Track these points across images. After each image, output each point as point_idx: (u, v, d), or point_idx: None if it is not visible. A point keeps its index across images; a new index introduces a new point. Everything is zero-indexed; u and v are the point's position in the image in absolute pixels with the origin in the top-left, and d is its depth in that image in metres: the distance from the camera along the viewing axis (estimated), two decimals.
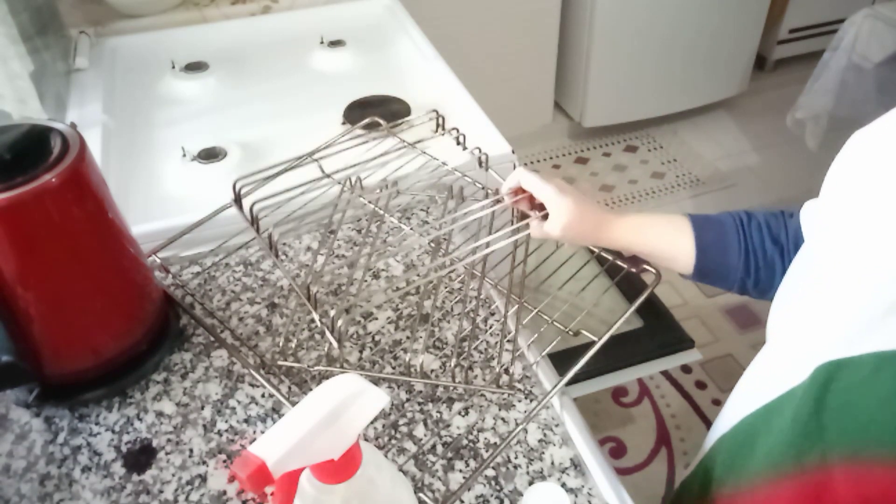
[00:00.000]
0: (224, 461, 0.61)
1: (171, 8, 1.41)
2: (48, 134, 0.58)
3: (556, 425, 0.63)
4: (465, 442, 0.61)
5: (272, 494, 0.48)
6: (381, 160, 0.83)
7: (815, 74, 1.76)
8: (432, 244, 0.79)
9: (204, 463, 0.60)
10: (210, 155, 0.97)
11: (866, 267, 0.44)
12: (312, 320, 0.73)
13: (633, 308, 0.73)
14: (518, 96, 2.42)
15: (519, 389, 0.66)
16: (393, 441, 0.62)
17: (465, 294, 0.76)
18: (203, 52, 1.26)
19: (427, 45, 1.26)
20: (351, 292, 0.76)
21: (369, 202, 0.81)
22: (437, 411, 0.64)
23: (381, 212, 0.79)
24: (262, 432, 0.63)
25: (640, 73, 2.39)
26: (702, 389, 1.71)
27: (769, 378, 0.51)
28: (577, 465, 0.60)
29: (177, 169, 0.97)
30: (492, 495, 0.57)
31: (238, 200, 0.69)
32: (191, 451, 0.61)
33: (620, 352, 1.08)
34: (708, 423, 1.64)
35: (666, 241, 0.66)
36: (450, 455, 0.60)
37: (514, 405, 0.65)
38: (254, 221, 0.68)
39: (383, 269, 0.80)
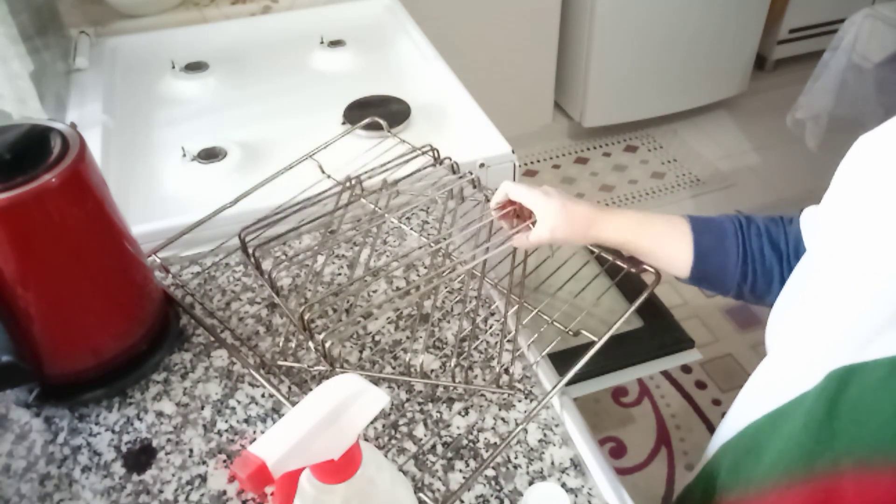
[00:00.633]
0: (224, 461, 0.61)
1: (171, 8, 1.42)
2: (48, 134, 0.58)
3: (556, 425, 0.63)
4: (465, 442, 0.61)
5: (272, 494, 0.48)
6: (380, 160, 0.83)
7: (815, 74, 1.76)
8: (432, 244, 0.79)
9: (204, 463, 0.60)
10: (210, 155, 0.97)
11: (875, 270, 0.43)
12: (312, 320, 0.73)
13: (633, 308, 0.73)
14: (518, 96, 2.42)
15: (519, 389, 0.66)
16: (393, 441, 0.62)
17: (465, 294, 0.76)
18: (203, 52, 1.27)
19: (427, 45, 1.26)
20: (350, 290, 0.76)
21: (369, 202, 0.81)
22: (437, 411, 0.64)
23: (382, 212, 0.79)
24: (262, 432, 0.63)
25: (640, 73, 2.39)
26: (702, 389, 1.71)
27: (776, 384, 0.51)
28: (577, 465, 0.60)
29: (177, 169, 0.97)
30: (492, 495, 0.57)
31: (245, 249, 0.70)
32: (191, 451, 0.61)
33: (620, 352, 1.08)
34: (708, 423, 1.64)
35: (663, 241, 0.65)
36: (450, 455, 0.60)
37: (514, 405, 0.65)
38: (258, 265, 0.69)
39: (383, 269, 0.80)
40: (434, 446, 0.61)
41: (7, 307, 0.57)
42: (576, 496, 0.57)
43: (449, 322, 0.74)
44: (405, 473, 0.59)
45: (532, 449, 0.61)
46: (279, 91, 1.18)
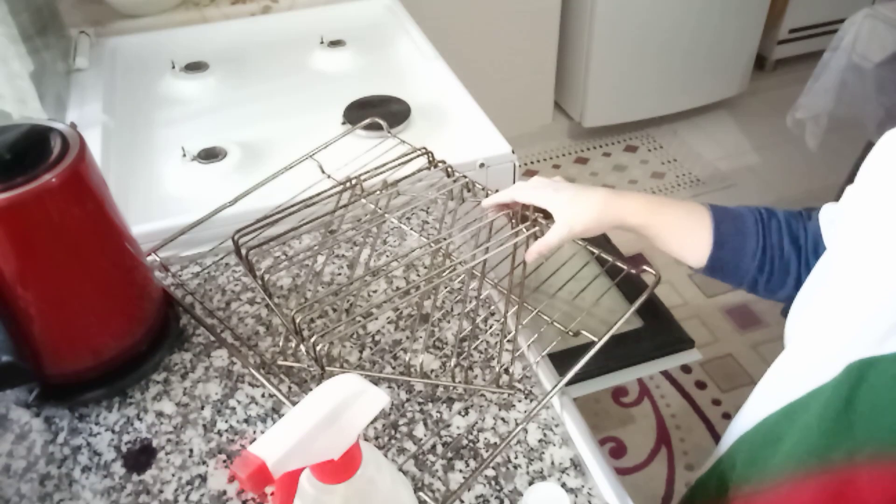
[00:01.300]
0: (224, 461, 0.61)
1: (171, 8, 1.42)
2: (48, 134, 0.58)
3: (556, 425, 0.63)
4: (465, 442, 0.61)
5: (272, 494, 0.48)
6: (380, 160, 0.83)
7: (815, 74, 1.76)
8: (432, 244, 0.79)
9: (204, 463, 0.60)
10: (210, 155, 0.97)
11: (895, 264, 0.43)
12: (312, 320, 0.73)
13: (633, 308, 0.73)
14: (518, 96, 2.42)
15: (519, 389, 0.66)
16: (393, 441, 0.62)
17: (465, 294, 0.76)
18: (203, 52, 1.27)
19: (427, 44, 1.26)
20: (350, 290, 0.76)
21: (369, 202, 0.81)
22: (437, 411, 0.64)
23: (382, 212, 0.79)
24: (262, 432, 0.63)
25: (640, 73, 2.39)
26: (702, 389, 1.71)
27: (793, 377, 0.51)
28: (577, 465, 0.60)
29: (177, 169, 0.97)
30: (492, 495, 0.57)
31: (238, 251, 0.70)
32: (191, 451, 0.61)
33: (620, 352, 1.08)
34: (708, 423, 1.64)
35: (681, 226, 0.63)
36: (450, 455, 0.60)
37: (514, 405, 0.65)
38: (250, 268, 0.69)
39: (383, 269, 0.80)
40: (434, 446, 0.61)
41: (7, 307, 0.57)
42: (576, 496, 0.57)
43: (449, 322, 0.74)
44: (405, 473, 0.59)
45: (532, 449, 0.61)
46: (279, 91, 1.18)
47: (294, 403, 0.62)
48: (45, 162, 0.55)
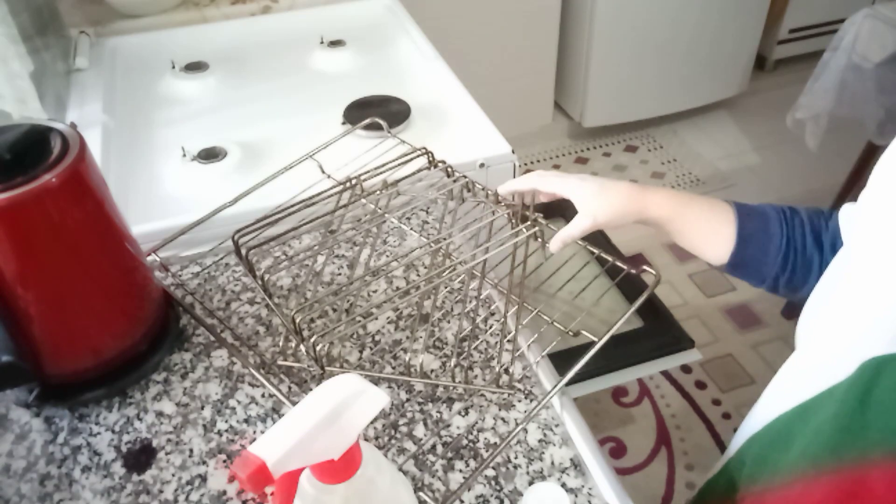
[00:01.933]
0: (224, 461, 0.61)
1: (171, 8, 1.42)
2: (48, 134, 0.58)
3: (556, 425, 0.63)
4: (465, 442, 0.61)
5: (272, 494, 0.48)
6: (380, 160, 0.83)
7: (815, 74, 1.76)
8: (432, 244, 0.79)
9: (204, 463, 0.60)
10: (210, 155, 0.97)
11: None
12: (312, 320, 0.73)
13: (633, 308, 0.73)
14: (518, 96, 2.42)
15: (519, 389, 0.66)
16: (393, 441, 0.62)
17: (465, 294, 0.76)
18: (203, 52, 1.27)
19: (427, 45, 1.26)
20: (350, 290, 0.76)
21: (369, 203, 0.81)
22: (437, 411, 0.64)
23: (382, 212, 0.79)
24: (262, 432, 0.63)
25: (640, 73, 2.39)
26: (702, 389, 1.71)
27: (806, 376, 0.51)
28: (577, 465, 0.60)
29: (177, 169, 0.97)
30: (492, 495, 0.57)
31: (238, 251, 0.70)
32: (191, 451, 0.62)
33: (620, 352, 1.08)
34: (708, 423, 1.64)
35: (705, 221, 0.62)
36: (450, 455, 0.60)
37: (514, 405, 0.65)
38: (250, 268, 0.69)
39: (383, 269, 0.80)
40: (434, 446, 0.61)
41: (7, 307, 0.57)
42: (576, 496, 0.57)
43: (449, 322, 0.74)
44: (405, 473, 0.59)
45: (532, 449, 0.61)
46: (279, 91, 1.18)
47: (294, 403, 0.62)
48: (45, 162, 0.55)
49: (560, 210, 1.42)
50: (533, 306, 0.75)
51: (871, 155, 1.89)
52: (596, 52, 2.27)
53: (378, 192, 0.80)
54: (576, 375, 0.65)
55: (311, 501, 0.41)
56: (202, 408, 0.65)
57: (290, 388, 0.66)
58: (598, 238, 1.34)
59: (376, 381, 0.67)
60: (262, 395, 0.66)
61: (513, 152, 0.97)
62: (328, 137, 0.92)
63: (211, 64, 1.22)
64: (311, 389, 0.61)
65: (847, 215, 0.57)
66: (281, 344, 0.70)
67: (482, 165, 0.95)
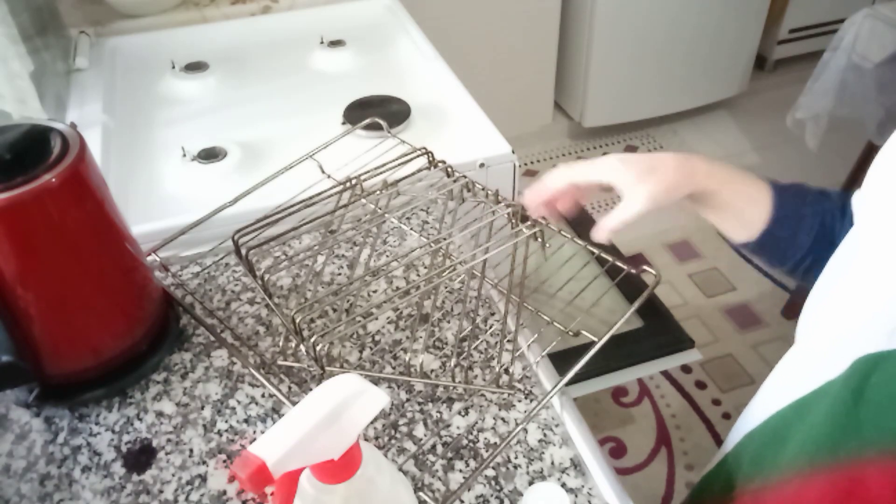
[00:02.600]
0: (224, 461, 0.61)
1: (171, 8, 1.42)
2: (48, 134, 0.58)
3: (556, 425, 0.63)
4: (465, 442, 0.61)
5: (272, 494, 0.48)
6: (380, 160, 0.83)
7: (815, 74, 1.76)
8: (432, 244, 0.79)
9: (204, 463, 0.60)
10: (210, 155, 0.97)
11: None
12: (312, 320, 0.73)
13: (633, 308, 0.73)
14: (518, 96, 2.42)
15: (519, 389, 0.66)
16: (393, 441, 0.62)
17: (465, 294, 0.76)
18: (203, 52, 1.27)
19: (427, 45, 1.26)
20: (350, 290, 0.76)
21: (369, 202, 0.81)
22: (437, 411, 0.64)
23: (382, 212, 0.79)
24: (262, 432, 0.63)
25: (640, 73, 2.39)
26: (702, 389, 1.71)
27: (802, 373, 0.51)
28: (577, 465, 0.60)
29: (177, 169, 0.97)
30: (492, 495, 0.57)
31: (238, 251, 0.70)
32: (191, 451, 0.62)
33: (620, 352, 1.08)
34: (708, 423, 1.64)
35: (744, 200, 0.59)
36: (450, 455, 0.60)
37: (514, 405, 0.65)
38: (250, 268, 0.69)
39: (383, 269, 0.80)
40: (434, 446, 0.61)
41: (7, 307, 0.57)
42: (576, 496, 0.57)
43: (449, 322, 0.74)
44: (405, 473, 0.59)
45: (532, 449, 0.61)
46: (279, 91, 1.18)
47: (294, 403, 0.62)
48: (45, 162, 0.55)
49: None
50: (533, 306, 0.75)
51: (871, 155, 1.89)
52: (596, 52, 2.27)
53: (378, 192, 0.80)
54: (576, 375, 0.65)
55: (311, 501, 0.41)
56: (202, 408, 0.65)
57: (290, 388, 0.66)
58: None
59: (376, 381, 0.67)
60: (262, 395, 0.66)
61: (513, 152, 0.97)
62: (328, 137, 0.92)
63: (211, 64, 1.22)
64: (311, 389, 0.61)
65: (859, 200, 0.55)
66: (281, 344, 0.70)
67: (482, 165, 0.95)
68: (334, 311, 0.75)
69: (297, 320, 0.60)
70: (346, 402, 0.39)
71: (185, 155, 0.97)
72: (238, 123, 1.09)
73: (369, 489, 0.42)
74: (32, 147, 0.57)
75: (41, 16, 1.14)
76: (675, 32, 2.32)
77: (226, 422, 0.64)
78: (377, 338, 0.72)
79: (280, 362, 0.68)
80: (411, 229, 0.86)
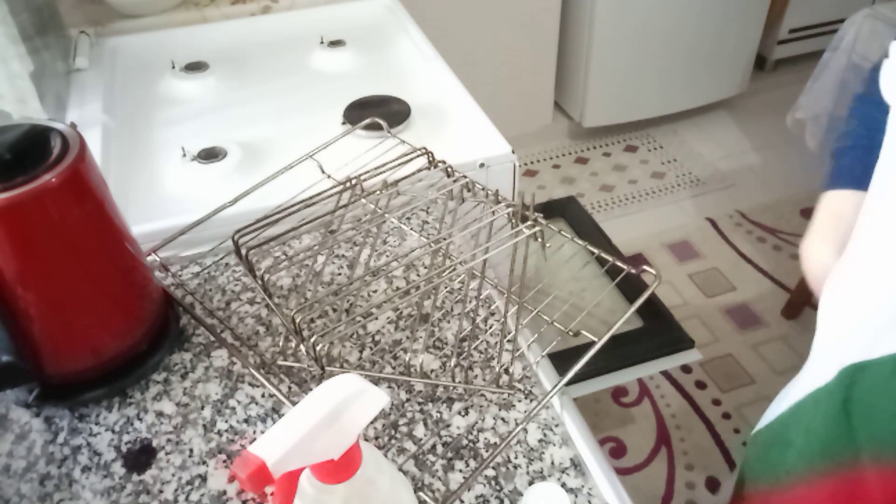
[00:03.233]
0: (224, 461, 0.61)
1: (171, 8, 1.42)
2: (48, 134, 0.58)
3: (556, 425, 0.63)
4: (465, 442, 0.61)
5: (272, 494, 0.48)
6: (380, 160, 0.83)
7: (815, 74, 1.77)
8: (432, 244, 0.79)
9: (204, 463, 0.60)
10: (210, 155, 0.97)
11: (887, 267, 0.43)
12: (312, 320, 0.73)
13: (633, 308, 0.73)
14: (518, 96, 2.42)
15: (519, 389, 0.66)
16: (393, 441, 0.62)
17: (465, 294, 0.76)
18: (203, 52, 1.27)
19: (427, 45, 1.26)
20: (350, 290, 0.76)
21: (369, 203, 0.81)
22: (437, 411, 0.64)
23: (382, 212, 0.79)
24: (262, 432, 0.63)
25: (640, 73, 2.39)
26: (702, 389, 1.71)
27: (798, 377, 0.51)
28: (577, 465, 0.60)
29: (177, 169, 0.97)
30: (492, 495, 0.57)
31: (238, 251, 0.70)
32: (191, 451, 0.62)
33: (620, 352, 1.08)
34: (708, 423, 1.64)
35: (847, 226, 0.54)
36: (450, 455, 0.60)
37: (514, 405, 0.65)
38: (250, 268, 0.69)
39: (383, 269, 0.80)
40: (434, 446, 0.61)
41: (7, 307, 0.57)
42: (576, 496, 0.57)
43: (449, 322, 0.74)
44: (405, 473, 0.59)
45: (532, 449, 0.61)
46: (279, 91, 1.18)
47: (294, 403, 0.62)
48: (45, 162, 0.55)
49: (560, 210, 1.42)
50: (533, 306, 0.75)
51: None
52: (596, 52, 2.27)
53: (378, 192, 0.80)
54: (576, 375, 0.65)
55: (311, 501, 0.41)
56: (202, 408, 0.65)
57: (290, 388, 0.66)
58: (598, 238, 1.34)
59: (376, 381, 0.67)
60: (262, 395, 0.66)
61: (513, 152, 0.97)
62: (328, 137, 0.92)
63: (211, 64, 1.22)
64: (311, 389, 0.61)
65: (888, 73, 0.52)
66: (281, 344, 0.70)
67: (482, 165, 0.95)
68: (334, 311, 0.75)
69: (297, 320, 0.60)
70: (346, 402, 0.39)
71: (185, 155, 0.97)
72: (238, 123, 1.09)
73: (369, 489, 0.42)
74: (32, 147, 0.57)
75: (41, 16, 1.14)
76: (676, 32, 2.32)
77: (226, 422, 0.64)
78: (377, 338, 0.72)
79: (280, 362, 0.68)
80: (411, 229, 0.86)
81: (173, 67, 1.20)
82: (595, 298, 0.97)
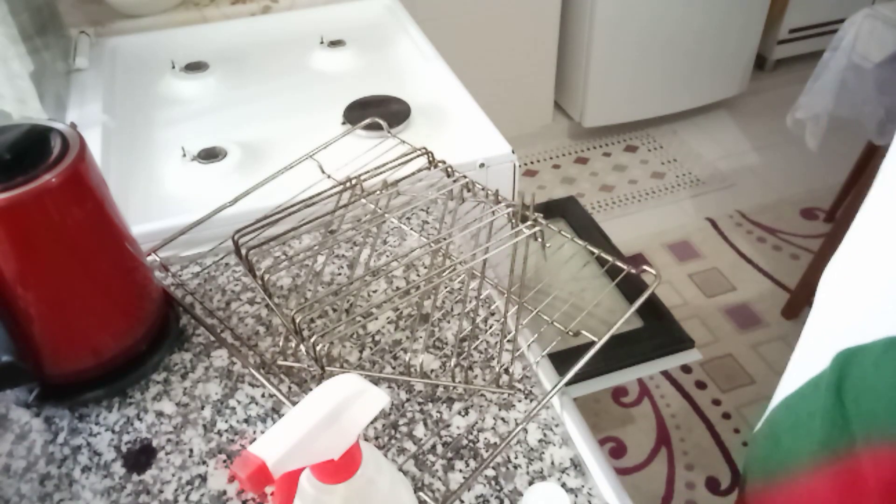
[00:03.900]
0: (224, 461, 0.61)
1: (171, 8, 1.42)
2: (48, 134, 0.58)
3: (556, 425, 0.63)
4: (465, 442, 0.61)
5: (272, 494, 0.48)
6: (380, 160, 0.83)
7: (815, 74, 1.76)
8: (432, 244, 0.79)
9: (204, 463, 0.60)
10: (210, 155, 0.97)
11: (882, 251, 0.43)
12: (312, 320, 0.73)
13: (633, 308, 0.73)
14: (518, 96, 2.42)
15: (519, 389, 0.66)
16: (393, 441, 0.62)
17: (465, 294, 0.76)
18: (203, 52, 1.27)
19: (427, 45, 1.26)
20: (350, 290, 0.76)
21: (369, 202, 0.81)
22: (437, 411, 0.64)
23: (382, 212, 0.79)
24: (262, 432, 0.63)
25: (640, 73, 2.39)
26: (702, 389, 1.71)
27: (792, 369, 0.51)
28: (577, 465, 0.60)
29: (177, 169, 0.97)
30: (492, 495, 0.57)
31: (238, 251, 0.70)
32: (191, 451, 0.62)
33: (620, 352, 1.08)
34: (708, 423, 1.64)
35: None
36: (450, 455, 0.60)
37: (514, 405, 0.65)
38: (250, 268, 0.69)
39: (383, 269, 0.80)
40: (434, 446, 0.61)
41: (7, 307, 0.57)
42: (576, 496, 0.57)
43: (449, 322, 0.74)
44: (405, 473, 0.59)
45: (532, 449, 0.61)
46: (279, 91, 1.18)
47: (294, 403, 0.62)
48: (45, 162, 0.55)
49: (560, 210, 1.42)
50: (533, 306, 0.75)
51: (871, 155, 1.89)
52: (596, 52, 2.28)
53: (378, 192, 0.80)
54: (576, 375, 0.65)
55: (311, 501, 0.41)
56: (202, 408, 0.65)
57: (290, 388, 0.66)
58: (598, 238, 1.34)
59: (376, 381, 0.67)
60: (262, 395, 0.66)
61: (513, 152, 0.97)
62: (328, 137, 0.92)
63: (211, 64, 1.22)
64: (311, 389, 0.61)
65: None
66: (281, 344, 0.70)
67: (482, 165, 0.95)
68: (334, 311, 0.75)
69: (297, 320, 0.60)
70: (346, 402, 0.39)
71: (185, 155, 0.97)
72: (238, 123, 1.09)
73: (369, 489, 0.42)
74: (32, 147, 0.57)
75: (41, 16, 1.14)
76: (676, 32, 2.32)
77: (226, 422, 0.64)
78: (377, 338, 0.72)
79: (280, 362, 0.68)
80: (411, 229, 0.86)
81: (173, 67, 1.20)
82: (595, 298, 0.97)
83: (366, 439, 0.58)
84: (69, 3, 1.39)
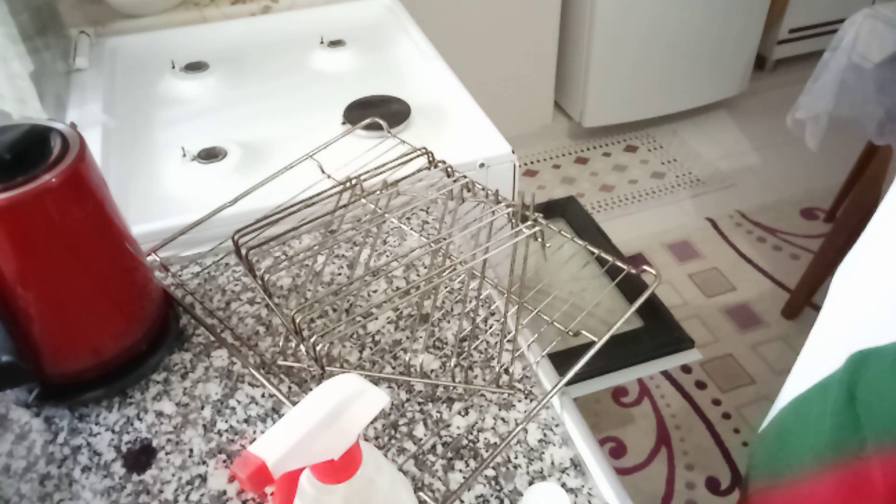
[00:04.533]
0: (224, 461, 0.61)
1: (171, 8, 1.42)
2: (48, 134, 0.58)
3: (556, 425, 0.63)
4: (465, 442, 0.61)
5: (272, 494, 0.48)
6: (380, 160, 0.83)
7: (815, 74, 1.76)
8: (432, 244, 0.79)
9: (204, 463, 0.60)
10: (210, 155, 0.97)
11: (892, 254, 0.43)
12: (312, 320, 0.73)
13: (633, 308, 0.73)
14: (518, 96, 2.42)
15: (519, 389, 0.66)
16: (393, 441, 0.62)
17: (465, 294, 0.76)
18: (203, 52, 1.27)
19: (427, 45, 1.26)
20: (350, 290, 0.76)
21: (369, 202, 0.81)
22: (437, 411, 0.64)
23: (382, 212, 0.79)
24: (262, 432, 0.63)
25: (640, 73, 2.39)
26: (702, 389, 1.71)
27: (801, 369, 0.51)
28: (577, 465, 0.60)
29: (177, 169, 0.97)
30: (492, 495, 0.57)
31: (238, 251, 0.70)
32: (191, 451, 0.62)
33: (620, 352, 1.08)
34: (708, 423, 1.64)
35: None
36: (450, 455, 0.60)
37: (514, 405, 0.65)
38: (250, 268, 0.69)
39: (383, 269, 0.80)
40: (434, 446, 0.61)
41: (7, 307, 0.57)
42: (576, 496, 0.57)
43: (449, 322, 0.74)
44: (405, 473, 0.59)
45: (532, 449, 0.61)
46: (279, 91, 1.18)
47: (294, 403, 0.62)
48: (45, 162, 0.55)
49: (560, 210, 1.42)
50: (533, 306, 0.75)
51: (871, 155, 1.89)
52: (596, 52, 2.28)
53: (378, 192, 0.80)
54: (576, 375, 0.65)
55: (311, 501, 0.41)
56: (202, 408, 0.65)
57: (290, 388, 0.66)
58: (598, 238, 1.34)
59: (376, 381, 0.67)
60: (262, 395, 0.66)
61: (513, 152, 0.97)
62: (328, 137, 0.92)
63: (211, 64, 1.22)
64: (311, 389, 0.61)
65: None
66: (281, 344, 0.70)
67: (482, 165, 0.95)
68: (334, 311, 0.75)
69: (297, 320, 0.60)
70: (346, 402, 0.39)
71: (185, 155, 0.97)
72: (238, 123, 1.09)
73: (369, 489, 0.42)
74: (32, 147, 0.57)
75: (41, 16, 1.14)
76: (676, 32, 2.32)
77: (226, 422, 0.64)
78: (377, 338, 0.72)
79: (280, 362, 0.68)
80: (411, 229, 0.86)
81: (173, 67, 1.20)
82: (595, 298, 0.97)
83: (366, 439, 0.58)
84: (69, 3, 1.39)
